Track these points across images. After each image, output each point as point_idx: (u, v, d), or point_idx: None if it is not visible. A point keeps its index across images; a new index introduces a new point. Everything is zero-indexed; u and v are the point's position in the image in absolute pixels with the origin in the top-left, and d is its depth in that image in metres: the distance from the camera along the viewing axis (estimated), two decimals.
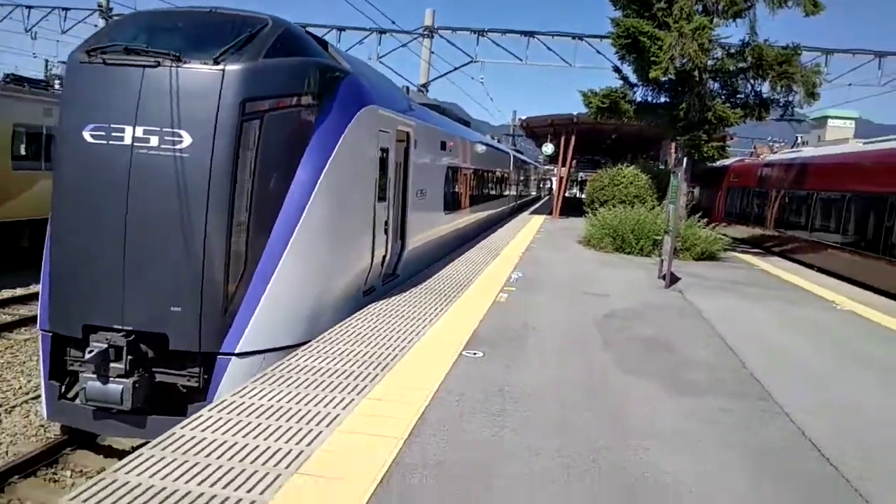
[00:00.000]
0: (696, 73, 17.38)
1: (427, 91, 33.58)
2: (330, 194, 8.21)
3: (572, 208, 32.11)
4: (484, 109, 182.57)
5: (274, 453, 4.42)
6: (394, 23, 32.38)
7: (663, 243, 13.57)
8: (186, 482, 3.96)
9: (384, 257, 10.51)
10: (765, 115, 19.06)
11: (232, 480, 4.01)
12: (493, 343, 7.69)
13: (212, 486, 3.94)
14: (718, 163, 30.09)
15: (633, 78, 19.06)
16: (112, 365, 7.06)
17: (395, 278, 11.42)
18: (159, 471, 4.08)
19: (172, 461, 4.22)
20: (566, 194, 35.45)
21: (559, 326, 8.91)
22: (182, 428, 4.76)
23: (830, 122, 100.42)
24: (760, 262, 18.60)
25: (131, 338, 7.10)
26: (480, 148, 22.19)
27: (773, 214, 23.00)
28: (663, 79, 17.53)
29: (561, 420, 5.51)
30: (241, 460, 4.29)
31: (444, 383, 6.12)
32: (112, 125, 7.20)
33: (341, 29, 33.67)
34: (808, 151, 23.95)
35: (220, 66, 7.28)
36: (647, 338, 8.63)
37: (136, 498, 3.74)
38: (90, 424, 7.42)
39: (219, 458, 4.31)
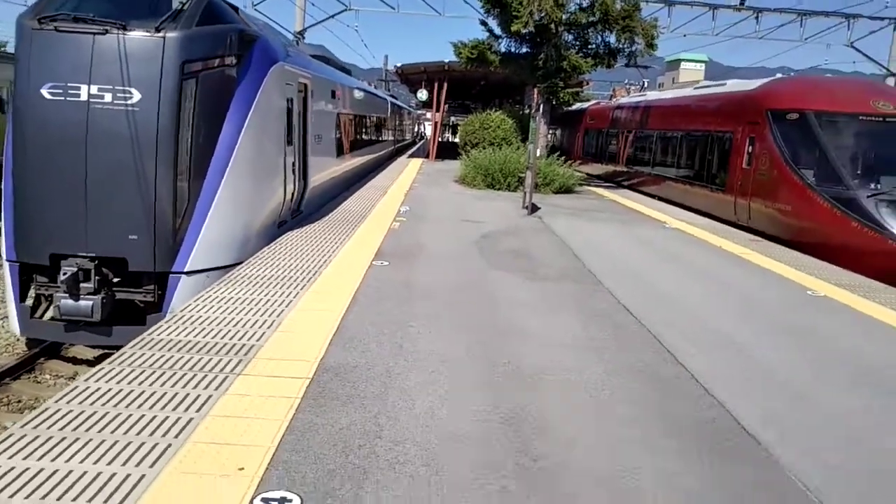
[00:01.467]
0: (552, 26, 19.76)
1: (304, 38, 34.46)
2: (252, 140, 9.82)
3: (446, 151, 34.30)
4: (355, 52, 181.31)
5: (254, 322, 6.27)
6: None
7: (525, 178, 15.94)
8: (197, 335, 5.77)
9: (293, 194, 12.23)
10: (613, 63, 21.79)
11: (232, 336, 5.86)
12: (395, 256, 9.72)
13: (221, 338, 5.77)
14: (577, 106, 33.05)
15: (497, 30, 21.24)
16: (82, 285, 8.54)
17: (300, 213, 13.15)
18: (182, 330, 5.85)
19: (185, 328, 6.00)
20: (440, 138, 37.52)
21: (444, 244, 11.03)
22: (182, 311, 6.52)
23: (683, 65, 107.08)
24: (610, 193, 21.51)
25: (96, 262, 8.59)
26: (363, 95, 23.81)
27: (622, 152, 26.08)
28: (524, 31, 19.72)
29: (452, 299, 7.65)
30: (234, 325, 6.13)
31: (363, 281, 8.11)
32: (69, 84, 8.49)
33: None
34: (650, 95, 27.11)
35: (162, 34, 8.69)
36: (512, 249, 10.94)
37: (167, 346, 5.53)
38: (63, 336, 8.90)
39: (218, 325, 6.13)
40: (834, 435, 4.73)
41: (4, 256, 8.93)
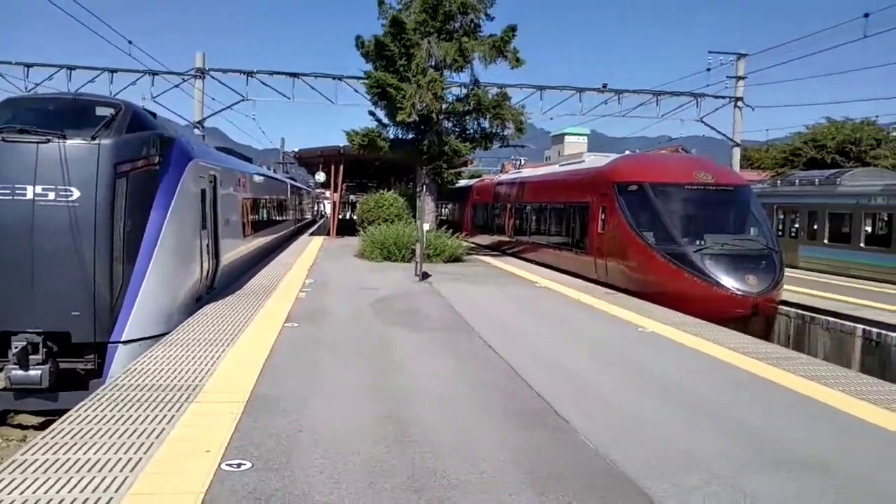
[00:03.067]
0: (433, 115, 22.39)
1: (203, 127, 36.14)
2: (174, 227, 11.50)
3: (347, 228, 36.21)
4: (249, 135, 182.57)
5: (194, 370, 7.92)
6: (163, 66, 34.46)
7: (416, 250, 18.09)
8: (151, 380, 7.41)
9: (208, 272, 13.86)
10: (489, 145, 24.62)
11: (179, 380, 7.52)
12: (303, 319, 11.51)
13: (171, 381, 7.43)
14: (465, 183, 35.87)
15: (385, 120, 23.71)
16: (31, 357, 9.88)
17: (214, 290, 14.73)
18: (138, 378, 7.45)
19: (140, 377, 7.61)
20: (340, 216, 39.47)
21: (345, 308, 12.88)
22: (133, 365, 8.11)
23: (567, 138, 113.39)
24: (495, 261, 23.96)
25: (42, 336, 9.97)
26: (264, 180, 25.65)
27: (504, 223, 28.83)
28: (409, 120, 22.24)
29: (355, 349, 9.53)
30: (178, 374, 7.78)
31: (278, 337, 9.88)
32: (15, 185, 10.03)
33: (113, 71, 35.03)
34: (525, 172, 30.20)
35: (97, 141, 10.40)
36: (402, 309, 12.94)
37: (131, 388, 7.14)
38: (14, 404, 10.14)
39: (165, 374, 7.76)
40: (613, 413, 6.87)
41: None
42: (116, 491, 4.68)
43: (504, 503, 4.73)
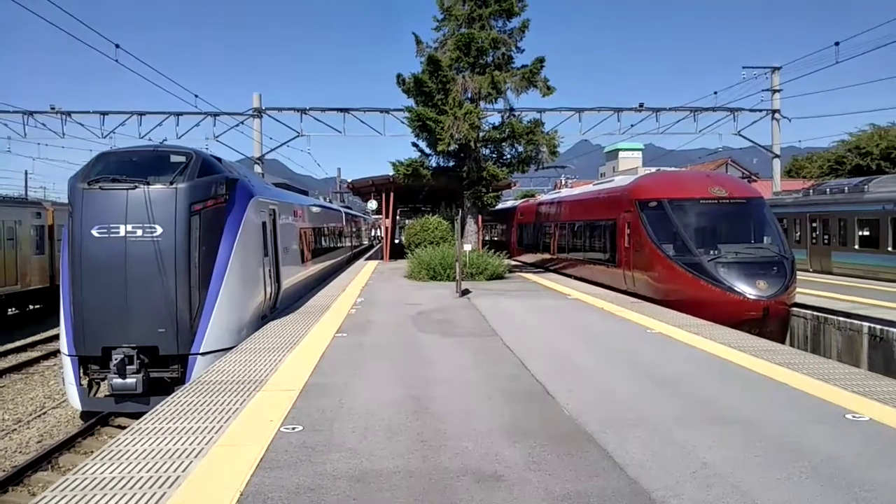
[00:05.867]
0: (471, 143, 24.21)
1: (262, 162, 38.79)
2: (240, 256, 13.52)
3: (400, 252, 38.24)
4: (307, 167, 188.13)
5: (261, 369, 9.79)
6: (220, 110, 37.12)
7: (456, 268, 19.84)
8: (228, 377, 9.29)
9: (270, 294, 15.87)
10: (526, 169, 26.26)
11: (248, 376, 9.40)
12: (352, 330, 13.35)
13: (242, 377, 9.31)
14: (511, 203, 37.50)
15: (427, 150, 25.64)
16: (128, 367, 11.94)
17: (276, 309, 16.74)
18: (218, 375, 9.34)
19: (220, 375, 9.51)
20: (394, 241, 41.51)
21: (389, 321, 14.69)
22: (212, 366, 10.03)
23: (621, 154, 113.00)
24: (535, 277, 25.52)
25: (136, 350, 12.03)
26: (319, 210, 27.87)
27: (546, 241, 30.37)
28: (448, 149, 24.13)
29: (392, 350, 11.30)
30: (248, 372, 9.66)
31: (329, 344, 11.73)
32: (111, 225, 12.18)
33: (178, 114, 38.03)
34: (563, 192, 31.71)
35: (174, 186, 12.49)
36: (439, 319, 14.68)
37: (212, 383, 9.03)
38: (115, 407, 12.26)
39: (238, 373, 9.65)
40: (594, 390, 8.44)
41: (66, 352, 12.30)
42: (208, 443, 6.53)
43: (485, 447, 6.40)
